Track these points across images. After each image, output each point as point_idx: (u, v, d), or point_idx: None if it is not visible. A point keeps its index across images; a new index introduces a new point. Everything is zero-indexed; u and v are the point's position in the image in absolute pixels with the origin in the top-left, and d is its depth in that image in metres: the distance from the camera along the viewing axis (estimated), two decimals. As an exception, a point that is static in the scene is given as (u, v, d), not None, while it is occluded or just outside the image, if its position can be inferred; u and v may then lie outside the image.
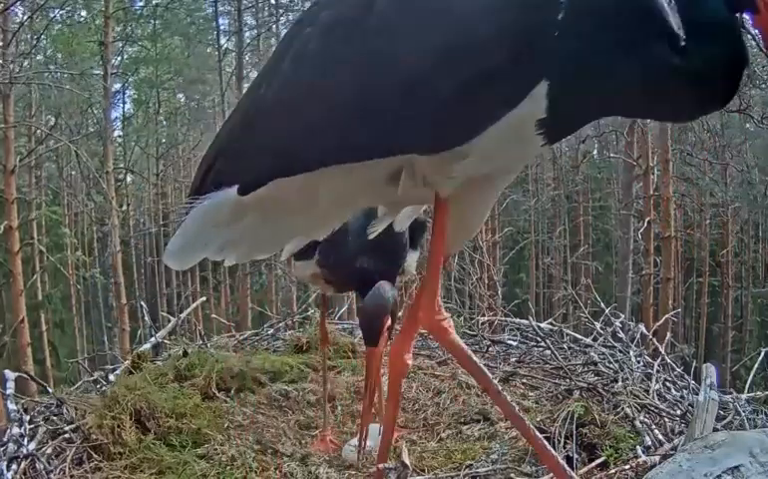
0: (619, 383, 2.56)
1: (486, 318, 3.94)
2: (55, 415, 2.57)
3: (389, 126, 1.31)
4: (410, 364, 1.79)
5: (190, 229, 1.60)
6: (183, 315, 4.01)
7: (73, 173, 17.07)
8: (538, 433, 1.75)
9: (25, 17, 11.02)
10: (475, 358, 1.75)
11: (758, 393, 2.60)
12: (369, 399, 2.22)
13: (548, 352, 3.12)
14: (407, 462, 2.02)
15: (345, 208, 1.75)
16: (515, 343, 3.37)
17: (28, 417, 2.51)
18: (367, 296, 2.21)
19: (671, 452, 1.98)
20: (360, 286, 2.30)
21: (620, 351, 2.98)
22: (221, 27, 16.62)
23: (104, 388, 2.93)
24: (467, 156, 1.36)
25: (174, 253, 1.67)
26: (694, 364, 3.05)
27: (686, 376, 2.78)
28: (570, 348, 3.20)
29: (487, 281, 5.66)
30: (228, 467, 2.20)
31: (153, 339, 3.61)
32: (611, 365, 2.83)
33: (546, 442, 1.78)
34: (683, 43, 1.23)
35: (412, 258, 2.45)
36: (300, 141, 1.39)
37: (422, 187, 1.49)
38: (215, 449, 2.29)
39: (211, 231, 1.61)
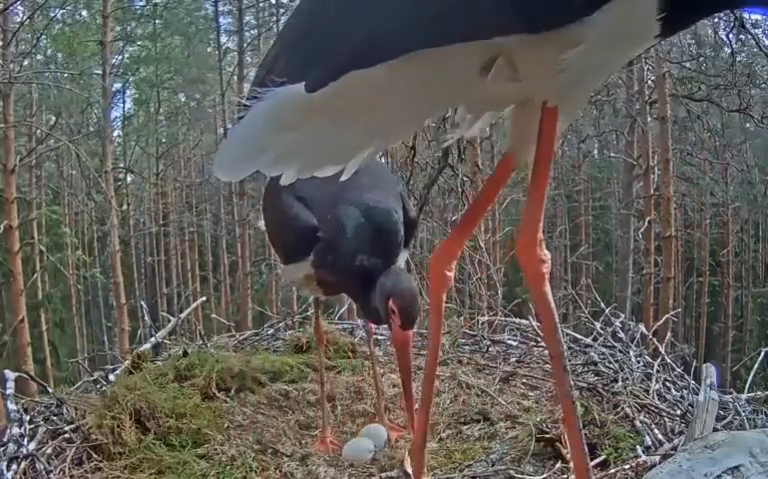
0: (619, 383, 2.56)
1: (486, 318, 3.93)
2: (55, 415, 2.56)
3: None
4: (451, 276, 1.58)
5: (245, 132, 1.40)
6: (183, 315, 4.00)
7: (73, 172, 17.10)
8: (580, 424, 1.55)
9: (25, 17, 11.05)
10: (558, 321, 1.48)
11: (758, 393, 2.59)
12: (409, 389, 2.18)
13: (548, 352, 3.12)
14: (409, 471, 2.02)
15: (423, 107, 1.54)
16: (515, 343, 3.36)
17: (28, 417, 2.51)
18: (391, 280, 2.15)
19: (671, 452, 1.97)
20: (358, 285, 2.27)
21: (620, 351, 2.97)
22: (222, 26, 16.68)
23: (104, 388, 2.92)
24: (577, 43, 1.20)
25: (224, 162, 1.48)
26: (694, 364, 3.05)
27: (686, 376, 2.77)
28: (570, 348, 3.19)
29: (487, 281, 5.65)
30: (228, 467, 2.20)
31: (153, 339, 3.61)
32: (611, 365, 2.82)
33: (584, 439, 1.58)
34: None
35: (402, 258, 2.40)
36: (382, 22, 1.21)
37: (519, 82, 1.32)
38: (215, 449, 2.29)
39: (271, 134, 1.41)
